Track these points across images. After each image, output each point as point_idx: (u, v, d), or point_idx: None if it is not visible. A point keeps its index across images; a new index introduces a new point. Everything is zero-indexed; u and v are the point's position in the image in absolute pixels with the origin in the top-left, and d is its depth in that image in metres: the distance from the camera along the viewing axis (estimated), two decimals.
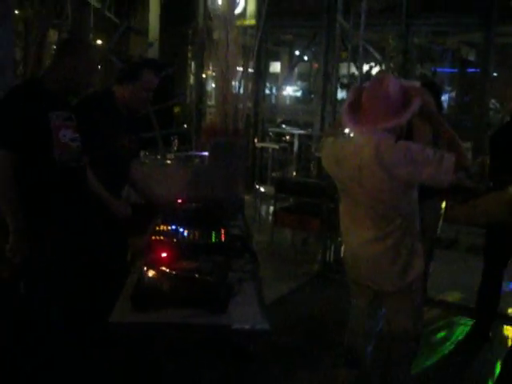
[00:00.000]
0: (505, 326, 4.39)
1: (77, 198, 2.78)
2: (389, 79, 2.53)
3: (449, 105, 10.70)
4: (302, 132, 9.82)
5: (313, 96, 11.20)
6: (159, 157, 5.85)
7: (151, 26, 9.87)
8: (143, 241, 2.76)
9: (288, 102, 13.29)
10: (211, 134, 4.10)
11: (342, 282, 4.63)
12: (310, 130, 9.83)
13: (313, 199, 6.02)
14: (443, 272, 5.09)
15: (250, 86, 9.00)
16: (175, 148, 6.62)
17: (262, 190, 8.02)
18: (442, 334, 4.25)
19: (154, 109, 5.74)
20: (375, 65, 9.95)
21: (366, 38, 7.67)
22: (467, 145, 2.81)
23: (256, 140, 10.00)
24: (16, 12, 5.66)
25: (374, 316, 2.90)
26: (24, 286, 2.75)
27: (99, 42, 9.01)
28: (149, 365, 2.72)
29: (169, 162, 5.70)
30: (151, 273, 2.26)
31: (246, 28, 8.71)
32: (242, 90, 4.70)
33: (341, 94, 8.90)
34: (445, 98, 9.89)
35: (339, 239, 5.83)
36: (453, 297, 5.01)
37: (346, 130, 2.78)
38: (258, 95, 10.13)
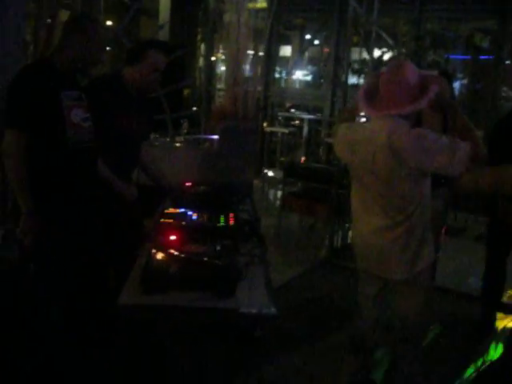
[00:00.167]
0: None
1: (89, 179, 2.78)
2: (407, 65, 2.51)
3: (460, 92, 10.59)
4: (311, 117, 9.77)
5: (322, 81, 11.11)
6: (168, 139, 5.83)
7: (162, 8, 9.78)
8: (152, 223, 2.76)
9: (298, 86, 13.21)
10: (221, 117, 4.09)
11: (348, 268, 4.65)
12: (319, 114, 9.78)
13: (321, 185, 6.01)
14: (451, 260, 5.07)
15: (260, 69, 8.98)
16: (185, 131, 6.59)
17: (270, 174, 8.00)
18: (449, 322, 4.24)
19: (165, 91, 5.70)
20: (387, 50, 9.85)
21: (379, 23, 7.58)
22: (479, 133, 2.78)
23: (265, 124, 9.96)
24: None
25: (381, 304, 2.90)
26: (34, 268, 2.77)
27: (109, 23, 8.95)
28: (153, 347, 2.74)
29: (178, 144, 5.68)
30: (160, 255, 2.26)
31: (257, 11, 8.64)
32: (252, 74, 4.67)
33: (352, 80, 8.83)
34: (456, 85, 9.78)
35: (346, 225, 5.83)
36: (461, 285, 4.99)
37: (362, 115, 2.76)
38: (267, 79, 10.07)
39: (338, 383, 3.07)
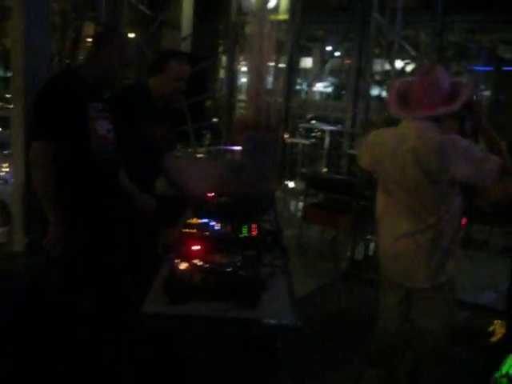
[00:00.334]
0: None
1: (112, 190, 2.80)
2: (439, 68, 2.53)
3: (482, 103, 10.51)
4: (333, 128, 9.76)
5: (343, 92, 11.11)
6: (190, 150, 5.87)
7: (184, 19, 9.88)
8: (175, 233, 2.77)
9: (318, 97, 13.23)
10: (244, 128, 4.10)
11: (370, 280, 4.62)
12: (339, 126, 9.76)
13: (343, 196, 5.99)
14: (474, 273, 5.01)
15: (281, 80, 9.00)
16: (207, 142, 6.63)
17: (291, 185, 7.99)
18: (473, 336, 4.18)
19: (188, 103, 5.75)
20: (410, 62, 9.83)
21: (401, 34, 7.57)
22: (503, 144, 2.75)
23: (286, 135, 9.97)
24: (53, 5, 5.74)
25: (403, 316, 2.87)
26: (57, 277, 2.79)
27: (132, 35, 9.06)
28: (175, 356, 2.74)
29: (201, 155, 5.71)
30: (183, 265, 2.26)
31: (279, 23, 8.68)
32: (274, 85, 4.69)
33: (374, 91, 8.80)
34: (479, 96, 9.71)
35: (368, 237, 5.79)
36: (484, 299, 4.93)
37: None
38: (288, 90, 10.09)
39: None
